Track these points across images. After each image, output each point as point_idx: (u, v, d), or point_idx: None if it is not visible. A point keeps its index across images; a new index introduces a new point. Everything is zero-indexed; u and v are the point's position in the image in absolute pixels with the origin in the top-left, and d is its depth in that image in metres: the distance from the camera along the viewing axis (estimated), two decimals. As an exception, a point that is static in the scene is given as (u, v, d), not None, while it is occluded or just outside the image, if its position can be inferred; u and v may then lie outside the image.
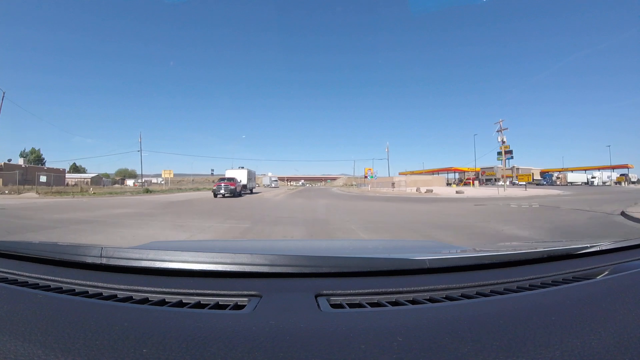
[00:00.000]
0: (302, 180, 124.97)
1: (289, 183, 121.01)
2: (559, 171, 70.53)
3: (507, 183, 60.11)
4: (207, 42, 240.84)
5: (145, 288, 0.72)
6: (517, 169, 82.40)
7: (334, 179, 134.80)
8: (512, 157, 41.07)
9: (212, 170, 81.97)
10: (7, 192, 21.31)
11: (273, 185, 64.33)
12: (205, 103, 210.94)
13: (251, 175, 30.23)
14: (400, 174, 73.73)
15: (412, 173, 74.53)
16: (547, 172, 73.76)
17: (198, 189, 40.64)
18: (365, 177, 70.05)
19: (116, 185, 58.98)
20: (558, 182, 62.12)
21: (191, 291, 0.70)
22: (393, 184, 41.63)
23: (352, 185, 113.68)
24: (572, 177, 64.76)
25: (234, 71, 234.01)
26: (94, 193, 22.59)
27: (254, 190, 30.42)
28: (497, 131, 31.98)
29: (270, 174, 72.47)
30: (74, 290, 0.73)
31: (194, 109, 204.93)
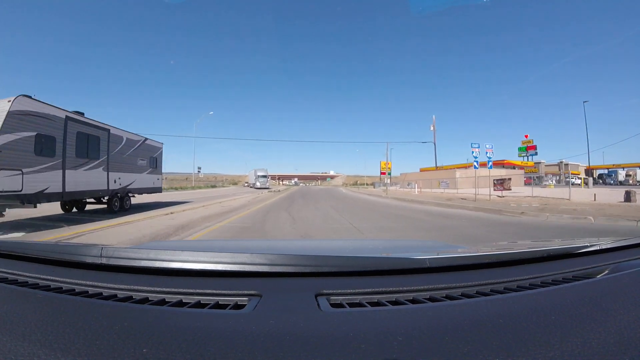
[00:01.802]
0: (295, 179, 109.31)
1: (281, 182, 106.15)
2: (626, 167, 54.26)
3: (553, 182, 43.09)
4: (206, 48, 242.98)
5: (145, 288, 0.71)
6: (566, 164, 65.01)
7: (332, 177, 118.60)
8: (535, 153, 34.90)
9: (199, 168, 61.58)
10: None
11: (259, 184, 43.43)
12: (203, 104, 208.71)
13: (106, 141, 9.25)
14: (422, 170, 57.64)
15: (443, 168, 57.13)
16: (609, 168, 57.65)
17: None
18: (382, 173, 52.89)
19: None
20: (631, 182, 46.30)
21: (191, 291, 0.69)
22: (507, 181, 17.97)
23: (357, 184, 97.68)
24: (644, 174, 48.89)
25: (231, 74, 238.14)
26: None
27: (130, 202, 10.69)
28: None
29: (256, 169, 46.80)
30: (74, 290, 0.73)
31: (191, 109, 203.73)
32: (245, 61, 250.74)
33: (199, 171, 56.80)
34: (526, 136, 41.40)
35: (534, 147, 38.33)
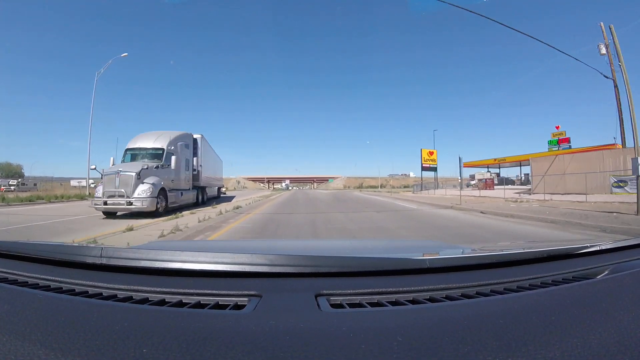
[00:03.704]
0: (287, 181, 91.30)
1: (272, 186, 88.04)
2: None
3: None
4: (203, 44, 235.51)
5: (145, 288, 0.71)
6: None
7: (327, 179, 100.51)
8: (569, 147, 28.62)
9: None
10: None
11: (101, 199, 9.00)
12: (200, 104, 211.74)
13: None
14: (466, 165, 40.37)
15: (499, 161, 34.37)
16: None
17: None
18: (425, 167, 34.96)
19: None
20: None
21: (191, 291, 0.69)
22: None
23: (363, 187, 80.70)
24: None
25: (229, 73, 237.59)
26: None
27: None
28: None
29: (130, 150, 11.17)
30: (74, 290, 0.73)
31: (187, 110, 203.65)
32: (242, 57, 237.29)
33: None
34: (557, 127, 32.69)
35: (567, 140, 31.12)
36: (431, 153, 35.27)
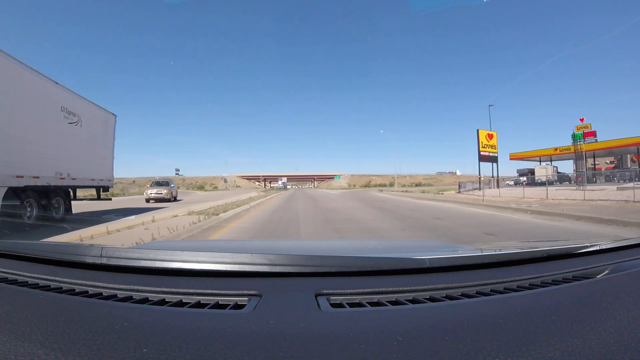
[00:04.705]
0: (284, 179, 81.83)
1: (269, 184, 78.66)
2: None
3: None
4: (207, 52, 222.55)
5: (145, 288, 0.72)
6: None
7: (330, 177, 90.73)
8: (595, 141, 27.83)
9: (178, 170, 42.74)
10: None
11: None
12: (199, 109, 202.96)
13: None
14: (512, 157, 30.82)
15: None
16: None
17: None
18: (484, 157, 25.48)
19: None
20: None
21: (191, 291, 0.70)
22: None
23: (370, 185, 72.82)
24: None
25: (230, 77, 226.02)
26: None
27: None
28: None
29: None
30: (74, 290, 0.73)
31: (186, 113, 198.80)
32: (235, 45, 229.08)
33: (177, 173, 39.53)
34: (581, 120, 28.48)
35: (593, 134, 26.95)
36: (490, 136, 26.55)
